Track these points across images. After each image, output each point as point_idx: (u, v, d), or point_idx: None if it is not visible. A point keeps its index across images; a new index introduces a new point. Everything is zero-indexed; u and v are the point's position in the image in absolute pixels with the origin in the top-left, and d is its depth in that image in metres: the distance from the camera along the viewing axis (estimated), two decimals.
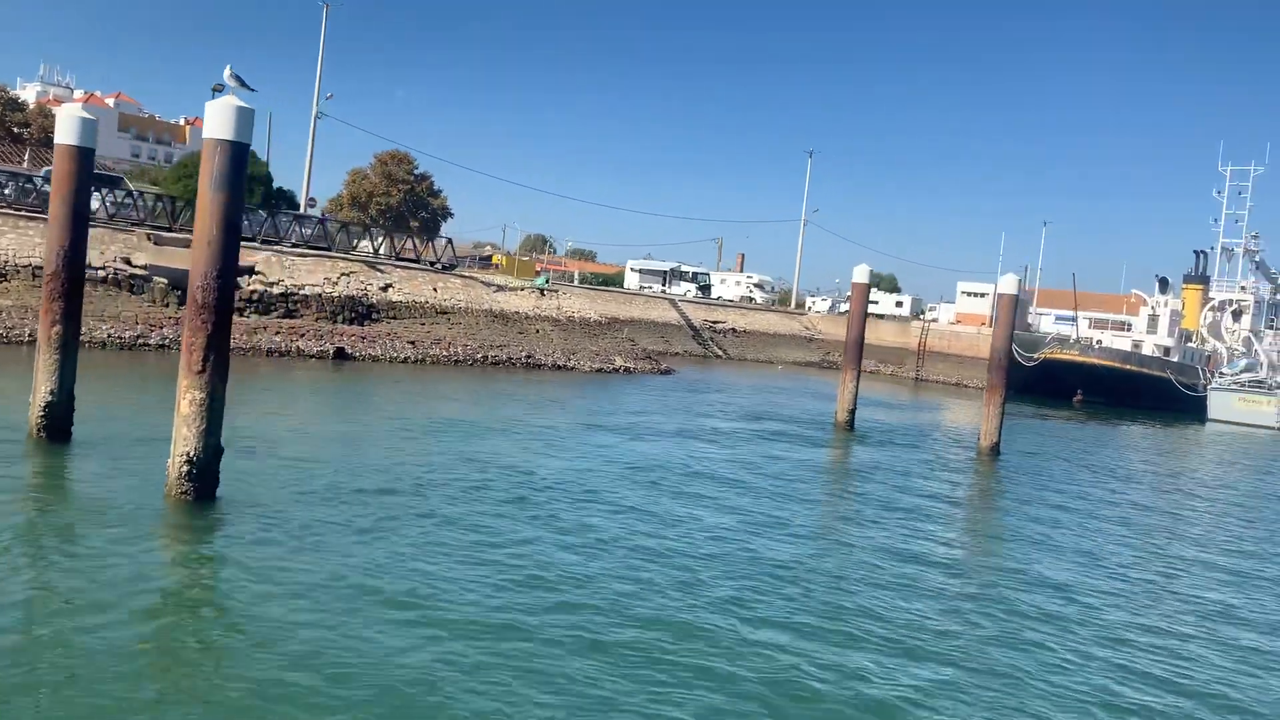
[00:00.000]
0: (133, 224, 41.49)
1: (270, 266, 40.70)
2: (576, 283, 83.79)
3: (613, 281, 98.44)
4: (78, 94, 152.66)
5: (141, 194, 43.97)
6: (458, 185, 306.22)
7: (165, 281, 37.01)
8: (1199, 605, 16.47)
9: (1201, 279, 79.62)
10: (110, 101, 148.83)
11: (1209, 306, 77.87)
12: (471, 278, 49.28)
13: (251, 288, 39.45)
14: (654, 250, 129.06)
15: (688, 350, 73.24)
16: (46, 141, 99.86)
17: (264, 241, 43.01)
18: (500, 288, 49.31)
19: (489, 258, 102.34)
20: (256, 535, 13.99)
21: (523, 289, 50.60)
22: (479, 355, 43.09)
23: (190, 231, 40.77)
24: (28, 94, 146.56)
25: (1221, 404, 65.13)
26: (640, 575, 14.32)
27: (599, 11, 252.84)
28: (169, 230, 40.76)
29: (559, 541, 15.68)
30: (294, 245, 44.76)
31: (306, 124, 62.77)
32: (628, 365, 49.23)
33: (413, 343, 41.50)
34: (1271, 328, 79.86)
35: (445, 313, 45.24)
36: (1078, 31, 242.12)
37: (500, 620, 11.80)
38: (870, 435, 34.66)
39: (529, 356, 44.86)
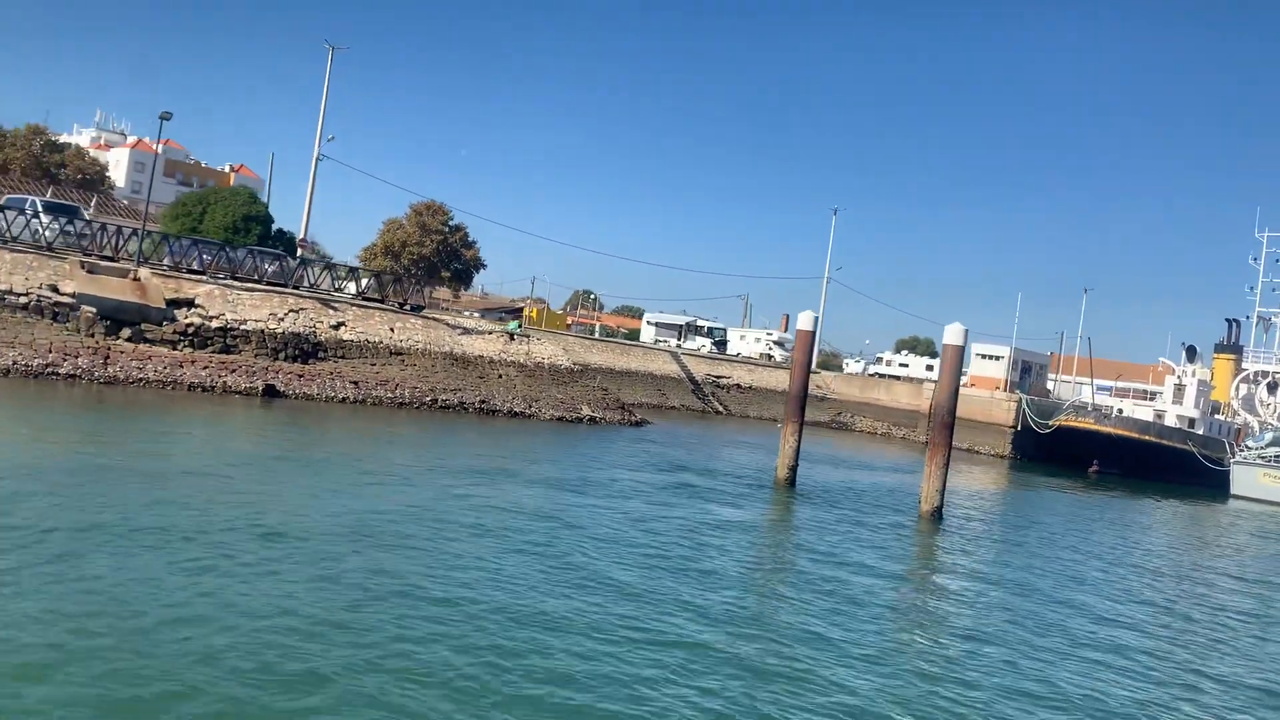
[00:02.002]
0: (86, 253, 40.87)
1: (212, 300, 39.68)
2: (597, 335, 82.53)
3: (638, 336, 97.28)
4: (130, 140, 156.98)
5: (103, 225, 43.42)
6: (488, 237, 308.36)
7: (94, 310, 36.09)
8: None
9: (1234, 348, 75.68)
10: (159, 148, 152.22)
11: (1241, 378, 73.82)
12: (436, 319, 47.87)
13: (188, 321, 38.41)
14: (687, 306, 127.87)
15: (685, 404, 71.10)
16: (83, 183, 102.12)
17: (214, 275, 42.09)
18: (466, 330, 47.83)
19: (520, 309, 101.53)
20: None
21: (491, 332, 49.09)
22: (428, 399, 41.48)
23: (136, 262, 40.46)
24: (82, 139, 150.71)
25: (1245, 479, 61.07)
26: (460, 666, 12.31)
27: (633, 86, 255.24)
28: (112, 260, 40.05)
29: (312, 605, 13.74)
30: (260, 280, 43.83)
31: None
32: (594, 415, 47.28)
33: (356, 383, 40.05)
34: None
35: (400, 354, 43.80)
36: (1108, 93, 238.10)
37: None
38: (808, 495, 32.16)
39: (483, 402, 43.15)
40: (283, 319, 41.06)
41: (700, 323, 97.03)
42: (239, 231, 66.30)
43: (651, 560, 19.21)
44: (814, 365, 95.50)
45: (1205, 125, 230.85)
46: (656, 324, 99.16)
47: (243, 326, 39.73)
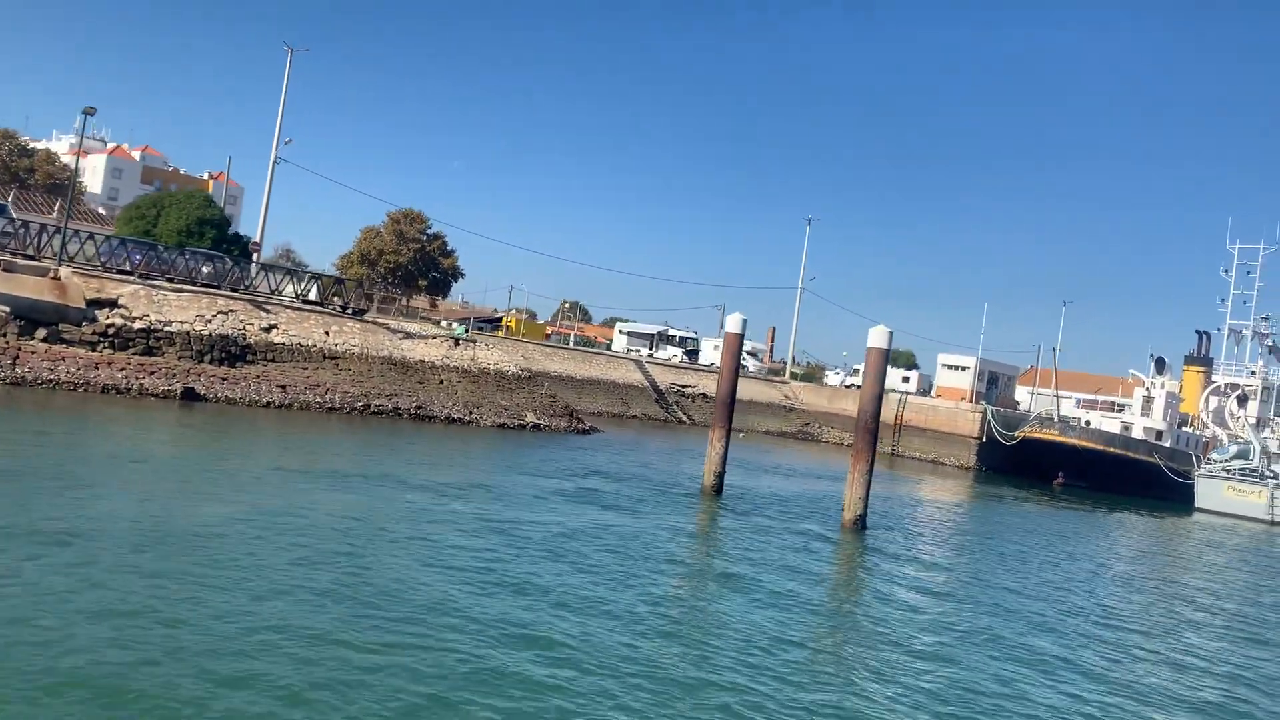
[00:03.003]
0: (12, 253, 39.87)
1: (136, 300, 38.68)
2: (571, 344, 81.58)
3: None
4: (109, 146, 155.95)
5: (25, 224, 42.43)
6: (472, 249, 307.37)
7: (7, 309, 35.06)
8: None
9: (1204, 360, 74.80)
10: (136, 154, 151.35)
11: (1210, 390, 72.93)
12: (377, 323, 46.90)
13: (109, 321, 37.39)
14: (670, 316, 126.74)
15: (647, 414, 70.09)
16: (51, 188, 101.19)
17: (144, 276, 41.07)
18: (409, 335, 46.84)
19: (500, 319, 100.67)
20: None
21: (435, 337, 48.11)
22: (360, 404, 40.47)
23: (58, 261, 39.39)
24: (61, 145, 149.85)
25: (1209, 493, 60.16)
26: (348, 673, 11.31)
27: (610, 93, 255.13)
28: (34, 259, 39.06)
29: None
30: (194, 281, 42.80)
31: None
32: (539, 422, 46.29)
33: (284, 387, 39.02)
34: None
35: (335, 358, 42.80)
36: (1079, 104, 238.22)
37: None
38: (733, 503, 31.17)
39: (419, 408, 42.13)
40: (210, 320, 40.05)
41: (672, 332, 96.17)
42: (193, 235, 65.19)
43: (534, 568, 18.26)
44: (788, 375, 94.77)
45: (1180, 133, 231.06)
46: (629, 333, 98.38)
47: (167, 328, 38.71)
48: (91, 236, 41.73)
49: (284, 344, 41.60)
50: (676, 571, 20.23)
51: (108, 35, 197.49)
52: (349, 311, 47.00)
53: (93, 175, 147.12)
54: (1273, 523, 57.36)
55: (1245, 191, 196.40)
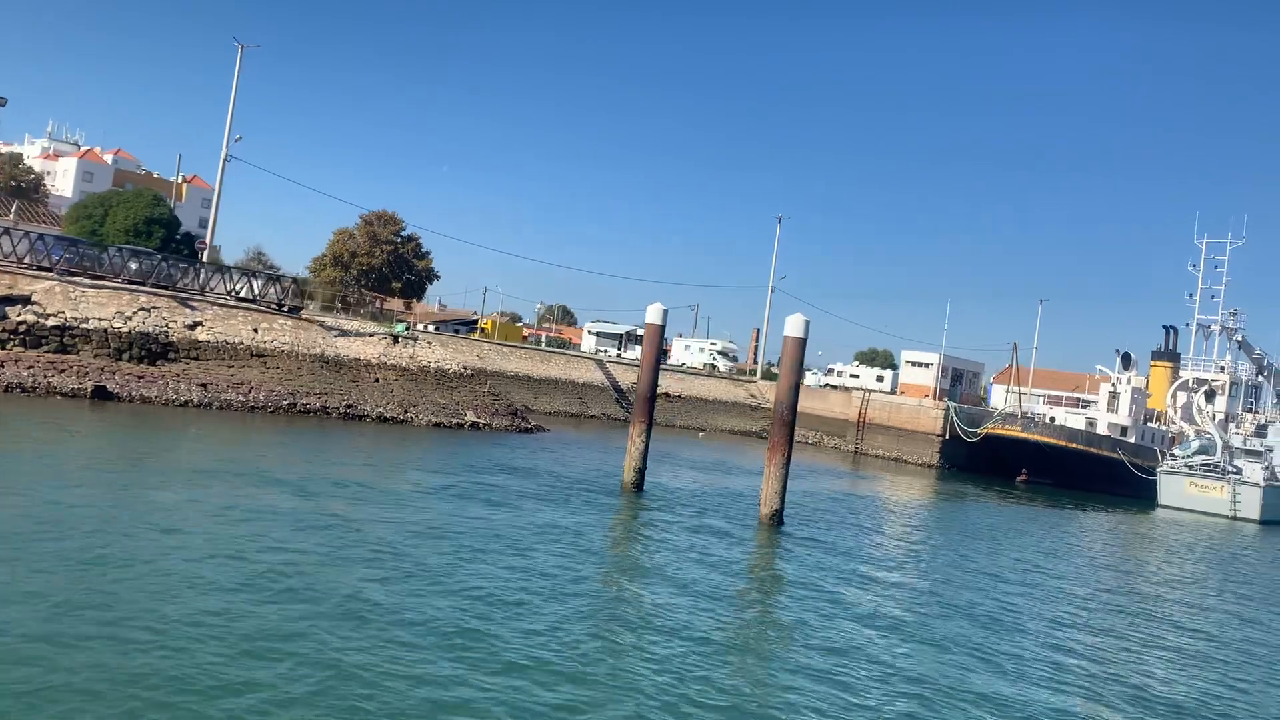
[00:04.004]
0: None
1: (51, 297, 37.58)
2: (544, 345, 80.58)
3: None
4: (81, 150, 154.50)
5: None
6: (446, 251, 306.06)
7: None
8: None
9: (1171, 356, 73.99)
10: (109, 158, 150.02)
11: (1178, 385, 72.12)
12: (311, 320, 45.79)
13: (20, 318, 36.27)
14: (635, 317, 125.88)
15: (606, 413, 69.06)
16: (17, 191, 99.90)
17: (67, 273, 39.98)
18: (344, 333, 45.77)
19: (475, 321, 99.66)
20: None
21: (372, 335, 47.05)
22: (285, 403, 39.37)
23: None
24: (34, 149, 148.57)
25: (1171, 488, 59.33)
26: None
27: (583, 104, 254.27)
28: None
29: None
30: (121, 278, 41.68)
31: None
32: (479, 421, 45.23)
33: (204, 385, 37.92)
34: (1251, 410, 73.85)
35: (263, 355, 41.71)
36: (1050, 103, 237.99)
37: None
38: (652, 499, 30.16)
39: (349, 407, 41.04)
40: (131, 318, 38.94)
41: (640, 332, 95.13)
42: (140, 234, 64.14)
43: (442, 564, 17.31)
44: (759, 375, 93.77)
45: (1149, 127, 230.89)
46: (597, 333, 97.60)
47: (83, 325, 37.60)
48: (8, 232, 40.58)
49: (209, 341, 40.50)
50: (565, 569, 19.25)
51: (84, 38, 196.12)
52: (284, 309, 45.89)
53: (64, 178, 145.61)
54: (1235, 518, 56.54)
55: (1213, 187, 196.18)
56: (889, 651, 16.52)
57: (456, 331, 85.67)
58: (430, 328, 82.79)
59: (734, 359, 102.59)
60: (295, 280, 49.27)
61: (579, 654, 13.98)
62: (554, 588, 17.57)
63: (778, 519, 27.78)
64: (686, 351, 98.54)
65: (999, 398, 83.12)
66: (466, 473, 30.49)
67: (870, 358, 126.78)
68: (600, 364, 73.73)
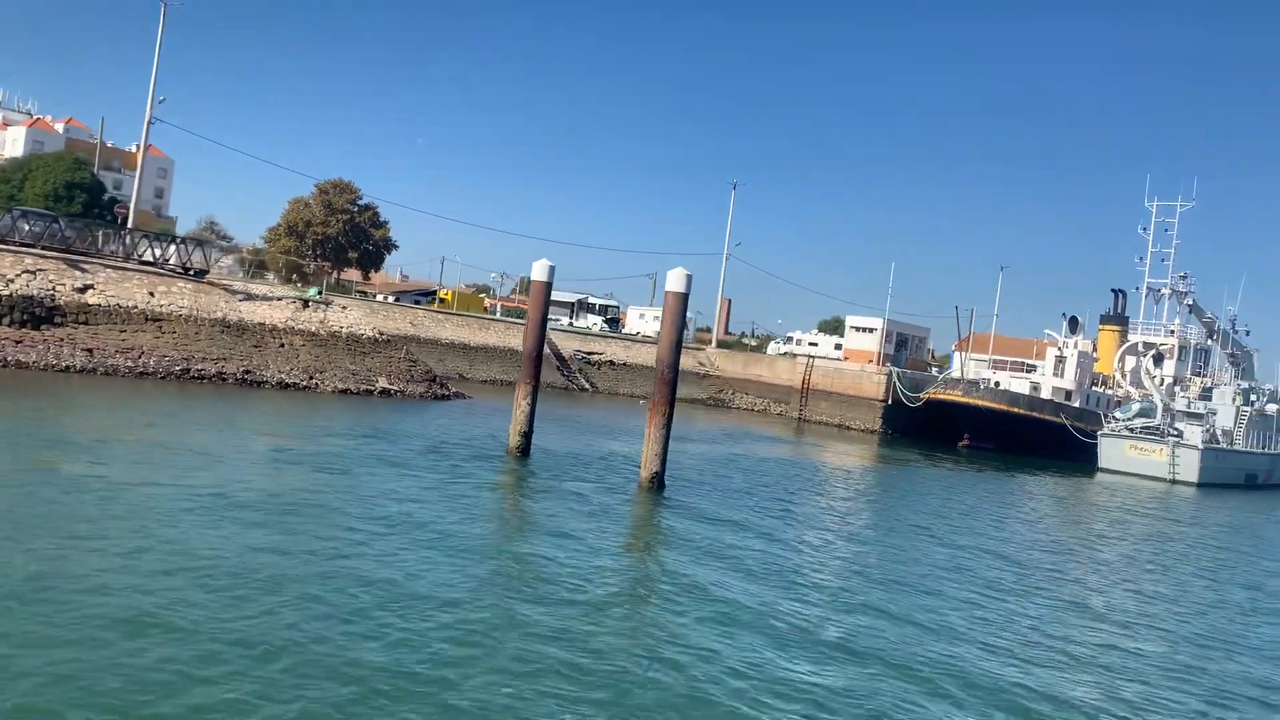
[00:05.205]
0: None
1: None
2: (499, 316, 79.16)
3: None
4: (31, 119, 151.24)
5: None
6: (408, 222, 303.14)
7: None
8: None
9: (1119, 320, 73.17)
10: (60, 127, 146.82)
11: (1126, 348, 71.34)
12: (216, 284, 44.22)
13: None
14: (612, 288, 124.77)
15: (547, 381, 67.48)
16: None
17: None
18: (250, 296, 44.23)
19: (433, 292, 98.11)
20: None
21: (281, 299, 45.52)
22: (178, 368, 37.92)
23: None
24: None
25: (1112, 452, 58.62)
26: None
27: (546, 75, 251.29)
28: None
29: None
30: (11, 242, 39.97)
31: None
32: (391, 387, 43.88)
33: (90, 350, 36.42)
34: (1199, 374, 73.16)
35: (159, 320, 40.16)
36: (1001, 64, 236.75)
37: None
38: (536, 464, 28.97)
39: (247, 373, 39.62)
40: (13, 281, 37.31)
41: (592, 300, 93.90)
42: (61, 199, 62.28)
43: (301, 528, 16.12)
44: (714, 344, 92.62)
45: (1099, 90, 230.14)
46: (551, 302, 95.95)
47: None
48: None
49: (100, 305, 38.89)
50: (421, 534, 18.16)
51: (36, 5, 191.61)
52: (190, 272, 44.29)
53: (13, 146, 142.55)
54: (1174, 481, 55.89)
55: (1164, 148, 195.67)
56: (757, 617, 15.42)
57: (417, 302, 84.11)
58: (390, 298, 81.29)
59: (689, 328, 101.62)
60: (201, 243, 47.59)
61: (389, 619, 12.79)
62: (378, 554, 16.39)
63: (658, 482, 26.62)
64: (641, 320, 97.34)
65: (960, 364, 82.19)
66: (342, 438, 29.18)
67: (834, 326, 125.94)
68: None
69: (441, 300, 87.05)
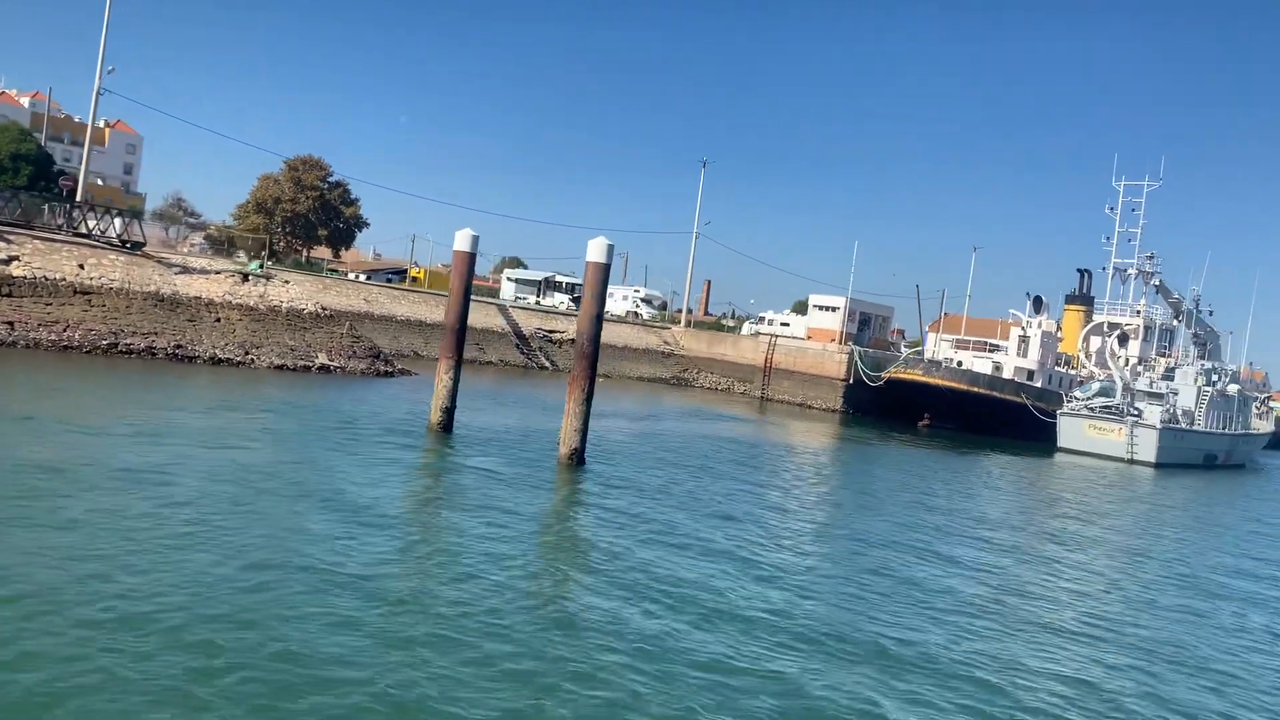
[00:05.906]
0: None
1: None
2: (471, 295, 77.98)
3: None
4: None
5: None
6: (385, 201, 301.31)
7: None
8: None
9: (1084, 299, 72.76)
10: (25, 101, 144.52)
11: (1090, 328, 70.95)
12: (150, 256, 43.12)
13: None
14: (570, 265, 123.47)
15: (505, 359, 66.94)
16: None
17: None
18: (186, 270, 43.16)
19: (404, 271, 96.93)
20: None
21: (219, 273, 44.46)
22: (105, 342, 36.90)
23: None
24: None
25: (1071, 431, 58.20)
26: None
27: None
28: None
29: None
30: None
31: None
32: (330, 364, 42.95)
33: (10, 324, 35.37)
34: (1164, 354, 72.87)
35: (88, 293, 39.08)
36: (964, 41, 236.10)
37: None
38: (456, 440, 28.17)
39: (178, 348, 38.62)
40: None
41: (559, 278, 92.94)
42: (5, 171, 60.92)
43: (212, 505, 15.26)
44: (684, 323, 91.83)
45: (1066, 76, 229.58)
46: (517, 280, 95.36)
47: None
48: None
49: (25, 278, 37.77)
50: (312, 509, 17.42)
51: None
52: (126, 245, 43.18)
53: None
54: (1132, 461, 55.55)
55: (1132, 127, 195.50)
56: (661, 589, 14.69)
57: (389, 280, 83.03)
58: (362, 276, 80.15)
59: (662, 306, 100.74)
60: (137, 215, 46.43)
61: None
62: (264, 531, 15.58)
63: (578, 458, 25.88)
64: (610, 299, 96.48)
65: (933, 345, 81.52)
66: (261, 413, 28.31)
67: (806, 306, 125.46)
68: (503, 309, 71.43)
69: (414, 279, 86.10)
